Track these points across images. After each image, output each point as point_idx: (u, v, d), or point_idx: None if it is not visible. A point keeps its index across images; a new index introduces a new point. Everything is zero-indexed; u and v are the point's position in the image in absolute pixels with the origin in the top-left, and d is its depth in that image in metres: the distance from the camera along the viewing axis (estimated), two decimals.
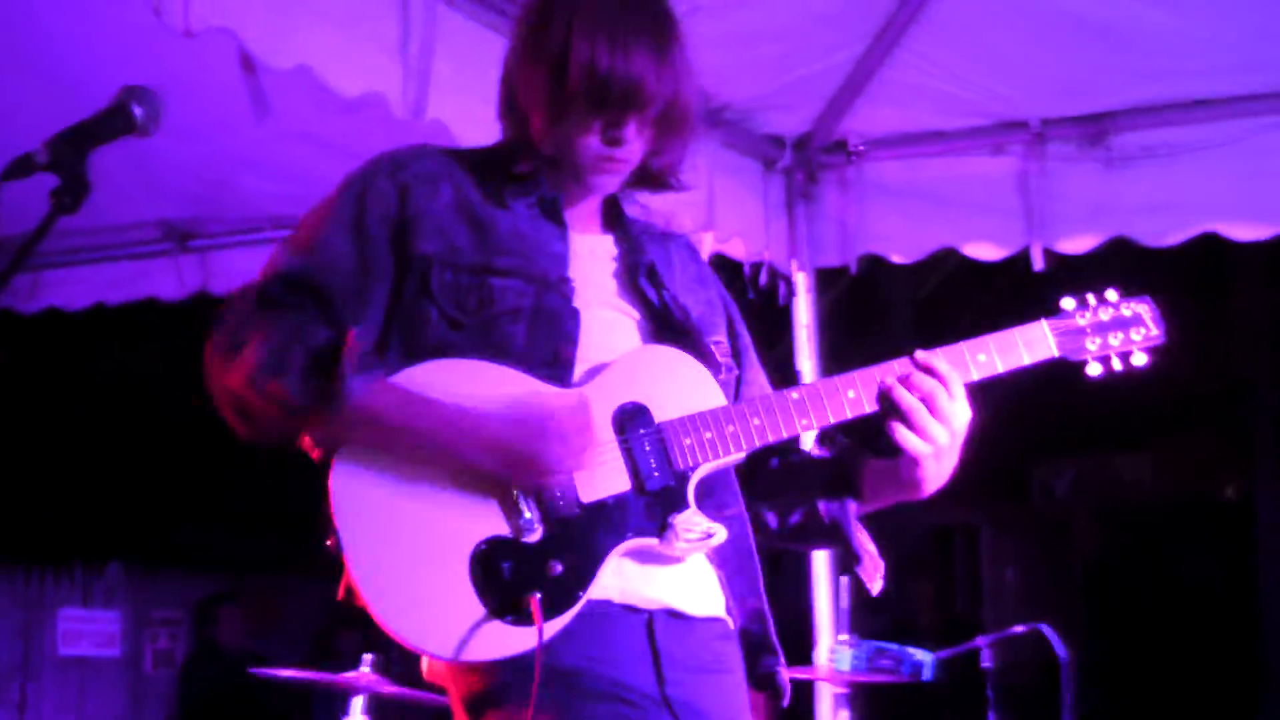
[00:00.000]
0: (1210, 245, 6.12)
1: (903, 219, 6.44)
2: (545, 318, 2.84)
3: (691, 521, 2.81)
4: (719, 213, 6.03)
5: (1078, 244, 6.17)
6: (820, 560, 6.47)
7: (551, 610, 2.72)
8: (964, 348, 2.91)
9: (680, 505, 2.81)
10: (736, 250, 6.38)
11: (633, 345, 2.93)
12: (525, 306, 2.84)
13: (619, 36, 2.79)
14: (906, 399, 2.84)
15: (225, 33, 4.09)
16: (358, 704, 5.64)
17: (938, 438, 2.84)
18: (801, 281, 6.60)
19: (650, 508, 2.80)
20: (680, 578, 2.87)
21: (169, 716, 11.14)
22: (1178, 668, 13.46)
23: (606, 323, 2.92)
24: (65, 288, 7.21)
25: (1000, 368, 2.93)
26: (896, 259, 6.57)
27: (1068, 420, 14.52)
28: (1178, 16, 5.51)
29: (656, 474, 2.81)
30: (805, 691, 6.47)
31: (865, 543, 3.04)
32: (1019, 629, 5.95)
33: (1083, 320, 3.00)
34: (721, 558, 2.96)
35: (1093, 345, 3.00)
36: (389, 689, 5.64)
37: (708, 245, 6.09)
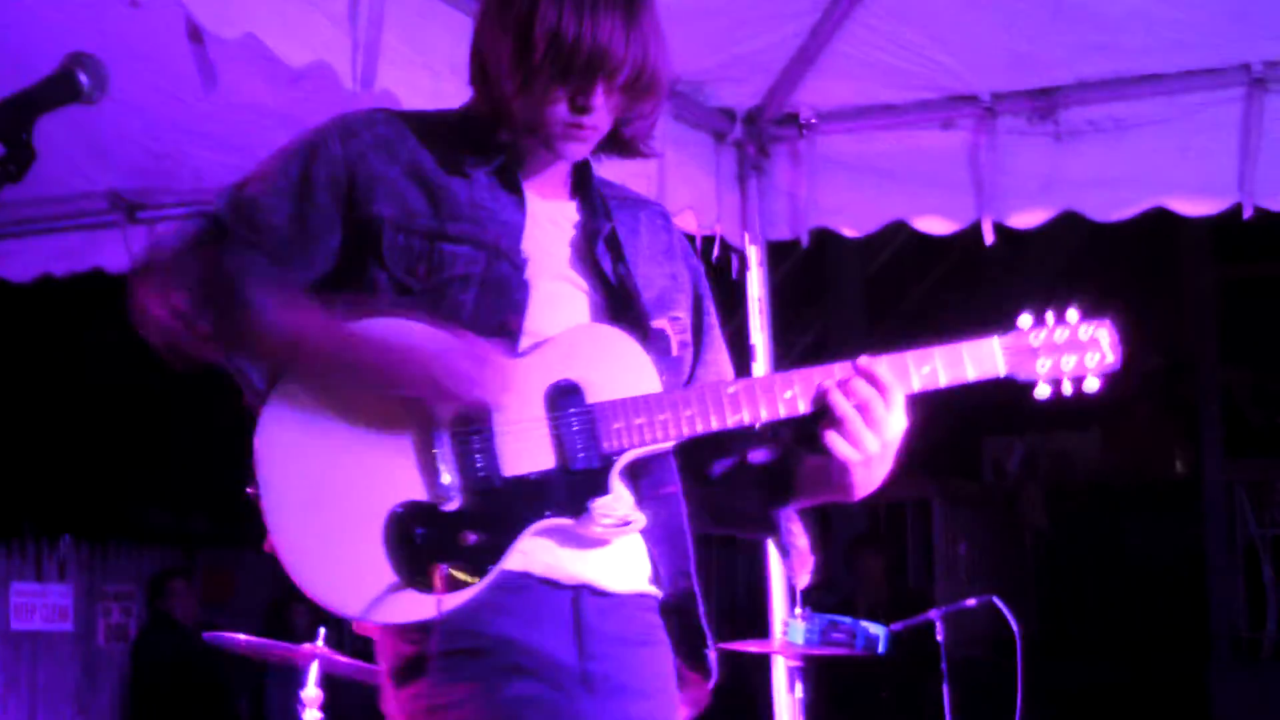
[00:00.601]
0: (1158, 220, 6.16)
1: (854, 192, 6.44)
2: (494, 286, 2.83)
3: (611, 506, 2.80)
4: (670, 186, 6.02)
5: (1028, 218, 6.18)
6: None
7: (460, 581, 2.73)
8: (909, 358, 2.86)
9: (602, 489, 2.79)
10: (688, 224, 6.36)
11: (579, 320, 2.90)
12: (474, 273, 2.82)
13: (586, 2, 2.75)
14: (842, 405, 2.80)
15: (172, 1, 4.06)
16: (313, 675, 5.63)
17: (869, 446, 2.80)
18: (754, 255, 6.60)
19: (572, 488, 2.78)
20: (605, 555, 2.86)
21: (122, 690, 11.12)
22: (1128, 639, 13.56)
23: (556, 295, 2.89)
24: (11, 259, 7.15)
25: (943, 381, 2.88)
26: (848, 232, 6.57)
27: (1018, 397, 14.60)
28: None
29: (582, 455, 2.79)
30: (761, 665, 6.49)
31: (797, 537, 3.03)
32: (971, 602, 5.99)
33: (1036, 340, 2.92)
34: (654, 537, 2.94)
35: (1044, 367, 2.92)
36: (342, 661, 5.64)
37: None
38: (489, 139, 2.91)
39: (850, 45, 5.98)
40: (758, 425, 2.86)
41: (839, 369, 2.83)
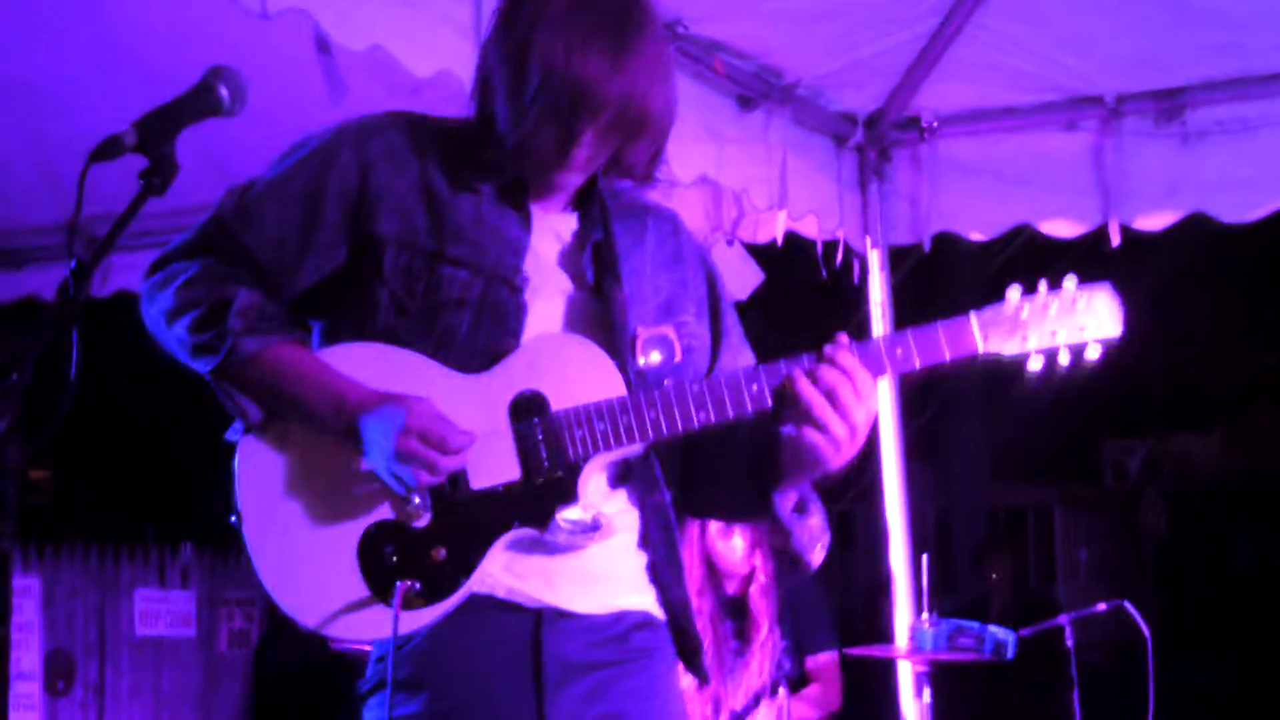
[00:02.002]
0: (1274, 218, 6.05)
1: (977, 196, 6.39)
2: (490, 311, 2.84)
3: (578, 514, 2.80)
4: (792, 190, 6.00)
5: (1154, 220, 6.10)
6: (897, 538, 6.42)
7: (433, 596, 2.77)
8: (880, 341, 2.81)
9: (569, 497, 2.79)
10: (810, 228, 6.35)
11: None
12: (471, 298, 2.84)
13: (575, 41, 2.74)
14: (807, 391, 2.74)
15: (300, 14, 4.09)
16: None
17: (835, 430, 2.74)
18: (875, 259, 6.56)
19: (538, 498, 2.79)
20: (573, 576, 2.86)
21: (244, 696, 11.20)
22: (1251, 644, 13.37)
23: (551, 314, 2.90)
24: (135, 271, 7.21)
25: (918, 364, 2.81)
26: (974, 236, 6.52)
27: (1138, 399, 14.45)
28: None
29: (546, 464, 2.78)
30: (886, 670, 6.46)
31: (809, 516, 2.98)
32: (1102, 606, 5.90)
33: (1024, 313, 2.81)
34: (649, 545, 2.95)
35: (1034, 339, 2.81)
36: None
37: (781, 223, 6.07)
38: (492, 155, 2.90)
39: (971, 48, 5.93)
40: (726, 422, 2.81)
41: (805, 359, 2.79)
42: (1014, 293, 2.83)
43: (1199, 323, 14.51)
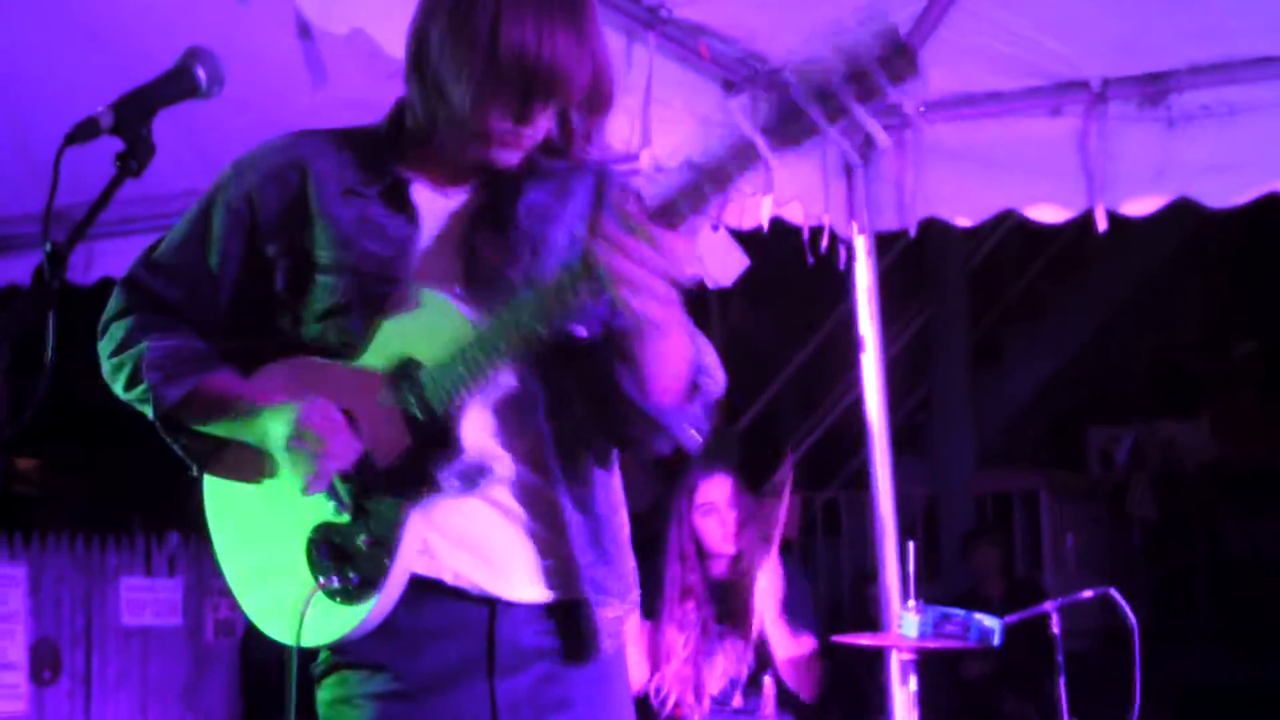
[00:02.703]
0: (1262, 203, 6.05)
1: (962, 181, 6.38)
2: (375, 307, 2.88)
3: (467, 463, 2.81)
4: (777, 176, 5.99)
5: (1141, 206, 6.10)
6: (888, 526, 6.42)
7: (368, 587, 2.81)
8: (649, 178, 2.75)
9: (451, 448, 2.79)
10: (795, 214, 6.34)
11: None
12: (355, 300, 2.88)
13: (544, 21, 2.76)
14: (603, 254, 2.59)
15: None
16: None
17: (632, 275, 2.59)
18: (861, 245, 6.55)
19: (430, 459, 2.80)
20: (501, 558, 2.89)
21: (231, 685, 11.19)
22: (1239, 631, 13.38)
23: (428, 302, 2.87)
24: (120, 258, 7.20)
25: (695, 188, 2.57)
26: (959, 222, 6.52)
27: (1124, 387, 14.44)
28: None
29: (426, 423, 2.79)
30: (876, 658, 6.46)
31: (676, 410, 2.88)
32: (1088, 594, 5.89)
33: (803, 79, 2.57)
34: (567, 525, 2.93)
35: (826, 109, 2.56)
36: None
37: (766, 209, 6.05)
38: (392, 150, 2.96)
39: (955, 33, 5.91)
40: (567, 325, 2.78)
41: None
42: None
43: (1184, 308, 14.51)
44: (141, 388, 2.95)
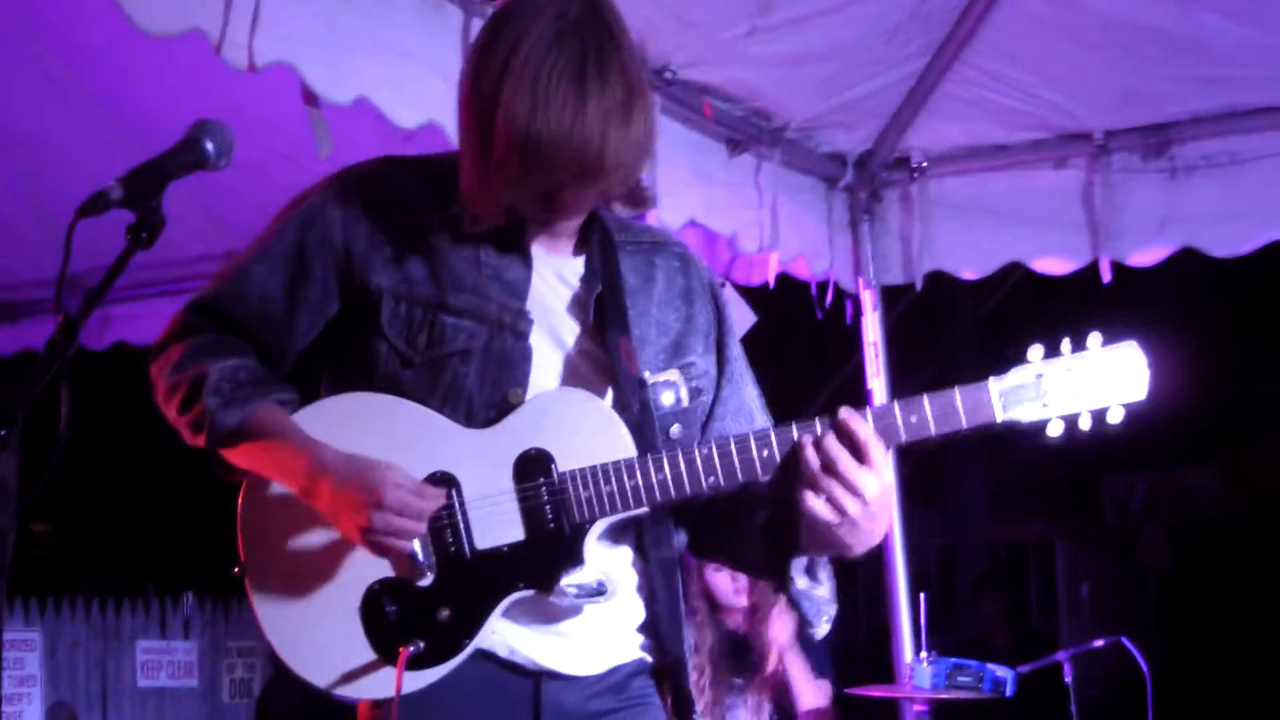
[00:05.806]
0: (1274, 248, 6.07)
1: (968, 234, 6.42)
2: (496, 359, 2.78)
3: (583, 576, 2.74)
4: (783, 232, 6.03)
5: (1146, 256, 6.13)
6: (900, 577, 6.43)
7: (438, 657, 2.73)
8: (896, 406, 2.65)
9: (574, 560, 2.72)
10: (802, 269, 6.37)
11: (569, 384, 2.82)
12: (476, 348, 2.77)
13: (539, 100, 2.58)
14: (811, 463, 2.62)
15: (286, 68, 4.10)
16: None
17: (846, 506, 2.61)
18: (868, 299, 6.58)
19: (543, 560, 2.72)
20: (571, 639, 2.81)
21: None
22: (1254, 679, 13.33)
23: (556, 360, 2.83)
24: (134, 323, 7.24)
25: (933, 430, 2.66)
26: (965, 274, 6.54)
27: (1138, 434, 14.44)
28: (1238, 23, 5.48)
29: (551, 526, 2.72)
30: (888, 710, 6.45)
31: (813, 587, 2.89)
32: (1100, 642, 5.89)
33: (1045, 378, 2.64)
34: (653, 600, 2.89)
35: (1055, 405, 2.64)
36: None
37: (773, 265, 6.08)
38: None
39: (960, 87, 5.96)
40: (734, 487, 2.72)
41: (819, 423, 2.66)
42: (1035, 353, 2.67)
43: (1196, 356, 14.51)
44: (197, 411, 2.80)
